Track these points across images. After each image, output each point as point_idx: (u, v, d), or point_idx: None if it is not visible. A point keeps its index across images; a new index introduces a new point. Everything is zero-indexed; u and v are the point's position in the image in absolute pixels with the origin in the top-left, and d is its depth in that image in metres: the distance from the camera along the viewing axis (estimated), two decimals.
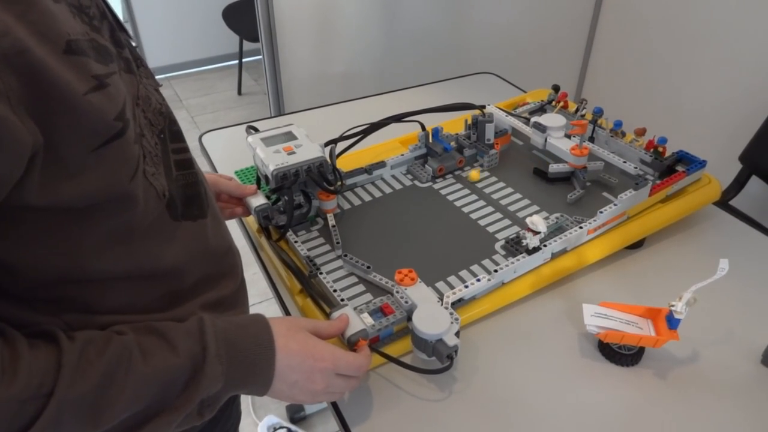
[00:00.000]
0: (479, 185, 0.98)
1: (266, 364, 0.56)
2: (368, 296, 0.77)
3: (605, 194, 0.94)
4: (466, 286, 0.75)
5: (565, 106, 1.12)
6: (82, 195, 0.45)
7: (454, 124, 1.11)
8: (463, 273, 0.81)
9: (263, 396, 0.58)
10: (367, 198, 0.96)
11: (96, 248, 0.49)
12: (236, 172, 1.09)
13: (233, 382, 0.54)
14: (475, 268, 0.81)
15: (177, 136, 0.57)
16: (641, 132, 0.98)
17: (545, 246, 0.81)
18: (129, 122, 0.47)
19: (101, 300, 0.52)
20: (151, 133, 0.53)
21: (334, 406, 0.69)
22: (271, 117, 1.36)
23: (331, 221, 0.87)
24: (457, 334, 0.68)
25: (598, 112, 1.01)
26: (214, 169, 1.12)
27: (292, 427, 1.56)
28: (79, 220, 0.47)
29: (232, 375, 0.54)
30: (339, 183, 0.91)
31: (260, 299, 1.95)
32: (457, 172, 1.01)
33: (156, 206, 0.52)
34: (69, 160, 0.43)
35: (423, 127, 1.03)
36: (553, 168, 0.96)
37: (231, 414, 0.74)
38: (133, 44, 0.55)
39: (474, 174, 0.98)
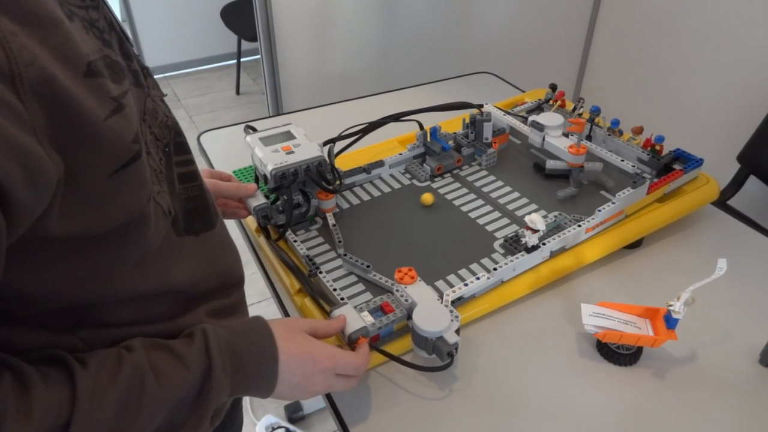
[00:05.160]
0: (477, 184, 0.98)
1: (270, 371, 0.56)
2: (368, 295, 0.77)
3: (603, 193, 0.94)
4: (466, 284, 0.75)
5: (563, 105, 1.12)
6: (102, 222, 0.44)
7: (452, 124, 1.11)
8: (463, 272, 0.81)
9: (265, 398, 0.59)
10: (366, 197, 0.96)
11: (109, 274, 0.48)
12: (234, 172, 1.09)
13: (238, 389, 0.55)
14: (474, 266, 0.81)
15: (182, 147, 0.56)
16: (638, 131, 0.98)
17: (544, 244, 0.81)
18: (142, 142, 0.46)
19: (115, 317, 0.52)
20: (156, 149, 0.51)
21: (333, 405, 0.69)
22: (269, 116, 1.36)
23: (331, 221, 0.87)
24: (458, 331, 0.68)
25: (596, 111, 1.02)
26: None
27: (291, 426, 1.56)
28: (94, 247, 0.46)
29: (237, 384, 0.54)
30: (338, 182, 0.91)
31: (258, 299, 1.95)
32: (455, 171, 1.01)
33: (164, 225, 0.52)
34: (88, 187, 0.42)
35: (421, 127, 1.03)
36: (551, 164, 0.97)
37: (236, 418, 0.74)
38: (136, 53, 0.54)
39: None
